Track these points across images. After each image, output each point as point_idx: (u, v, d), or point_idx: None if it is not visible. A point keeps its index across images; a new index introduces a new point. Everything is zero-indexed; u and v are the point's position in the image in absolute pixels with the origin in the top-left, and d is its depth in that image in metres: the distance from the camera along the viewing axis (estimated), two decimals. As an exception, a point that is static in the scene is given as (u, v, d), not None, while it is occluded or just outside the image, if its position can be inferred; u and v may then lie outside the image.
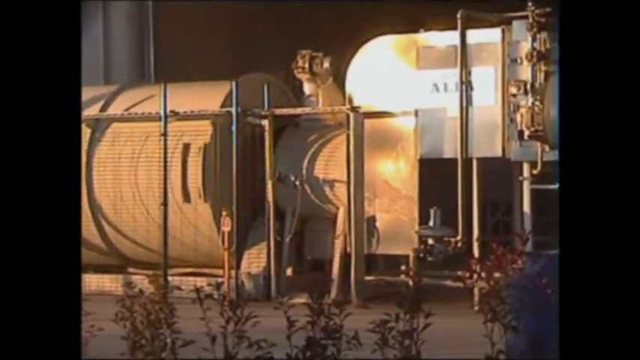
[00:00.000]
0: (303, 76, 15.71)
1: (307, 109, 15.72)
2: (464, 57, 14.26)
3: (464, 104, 14.28)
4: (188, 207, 15.56)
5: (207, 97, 15.85)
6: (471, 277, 7.29)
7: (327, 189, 15.38)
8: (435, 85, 14.50)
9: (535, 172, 13.79)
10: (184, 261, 15.84)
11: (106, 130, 16.35)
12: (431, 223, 14.33)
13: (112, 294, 13.36)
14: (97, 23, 19.31)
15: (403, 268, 13.36)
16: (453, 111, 14.36)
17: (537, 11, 13.61)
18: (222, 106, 15.55)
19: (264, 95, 15.33)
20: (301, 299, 6.90)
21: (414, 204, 14.59)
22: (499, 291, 6.95)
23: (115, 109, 16.45)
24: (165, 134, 15.39)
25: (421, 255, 14.26)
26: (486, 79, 14.21)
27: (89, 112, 16.34)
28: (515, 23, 14.05)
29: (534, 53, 13.71)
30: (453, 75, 14.33)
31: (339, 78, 15.54)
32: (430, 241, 14.33)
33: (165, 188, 15.39)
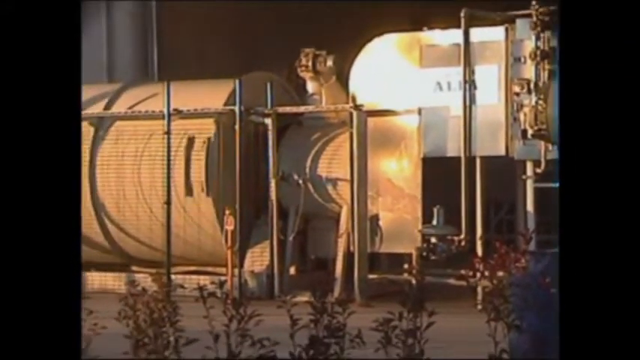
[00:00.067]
0: (307, 75, 15.70)
1: (310, 108, 15.71)
2: (467, 55, 14.25)
3: (467, 103, 14.27)
4: (191, 205, 15.56)
5: (211, 96, 15.85)
6: (474, 276, 7.29)
7: (330, 187, 15.37)
8: (439, 83, 14.49)
9: (538, 170, 13.78)
10: (187, 259, 15.85)
11: (110, 128, 16.35)
12: (434, 222, 14.33)
13: (115, 292, 13.41)
14: (101, 23, 19.32)
15: (406, 266, 13.49)
16: (457, 109, 14.35)
17: (541, 10, 13.59)
18: (226, 104, 15.55)
19: (268, 94, 15.32)
20: (304, 298, 6.91)
21: (417, 202, 14.58)
22: (502, 290, 6.94)
23: (119, 107, 16.45)
24: (168, 132, 15.39)
25: (424, 254, 14.26)
26: (490, 78, 14.20)
27: (93, 110, 16.36)
28: (518, 22, 14.04)
29: (538, 52, 13.70)
30: (456, 73, 14.32)
31: (342, 76, 15.53)
32: (433, 240, 14.33)
33: (168, 186, 15.39)
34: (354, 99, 15.07)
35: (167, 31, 19.64)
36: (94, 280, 16.02)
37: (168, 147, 15.39)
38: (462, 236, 14.19)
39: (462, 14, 14.24)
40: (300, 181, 15.32)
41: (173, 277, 14.51)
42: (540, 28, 13.67)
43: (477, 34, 14.31)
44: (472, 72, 14.26)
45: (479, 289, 11.99)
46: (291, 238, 15.38)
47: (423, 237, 14.40)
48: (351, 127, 15.02)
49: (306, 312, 6.65)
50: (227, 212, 14.95)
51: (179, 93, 15.54)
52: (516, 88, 13.92)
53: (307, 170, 15.44)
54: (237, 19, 20.28)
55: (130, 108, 16.29)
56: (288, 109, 15.57)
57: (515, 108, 14.00)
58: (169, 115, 15.45)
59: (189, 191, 15.52)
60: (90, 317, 7.38)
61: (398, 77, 14.81)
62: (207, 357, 6.72)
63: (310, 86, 15.81)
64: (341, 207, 15.21)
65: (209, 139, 15.45)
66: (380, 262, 15.48)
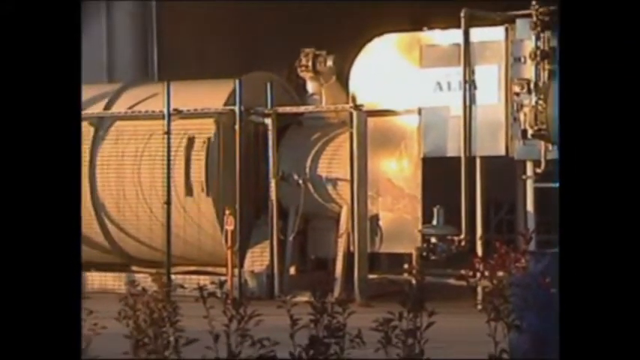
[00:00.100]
0: (307, 75, 15.70)
1: (310, 108, 15.71)
2: (467, 55, 14.25)
3: (467, 103, 14.27)
4: (191, 205, 15.56)
5: (211, 96, 15.85)
6: (474, 276, 7.29)
7: (330, 187, 15.37)
8: (439, 83, 14.49)
9: (538, 170, 13.78)
10: (187, 259, 15.85)
11: (110, 128, 16.35)
12: (434, 222, 14.33)
13: (115, 292, 13.40)
14: (101, 23, 19.32)
15: (406, 266, 13.49)
16: (457, 109, 14.35)
17: (541, 10, 13.59)
18: (226, 104, 15.55)
19: (268, 94, 15.32)
20: (304, 298, 6.90)
21: (417, 202, 14.58)
22: (502, 290, 6.94)
23: (119, 107, 16.45)
24: (168, 132, 15.39)
25: (424, 254, 14.26)
26: (490, 78, 14.20)
27: (93, 110, 16.36)
28: (518, 22, 14.04)
29: (538, 52, 13.70)
30: (456, 73, 14.32)
31: (342, 76, 15.53)
32: (433, 240, 14.33)
33: (168, 186, 15.39)
34: (354, 99, 15.07)
35: (167, 31, 19.64)
36: (94, 280, 16.02)
37: (168, 147, 15.39)
38: (462, 236, 14.19)
39: (462, 14, 14.24)
40: (300, 181, 15.32)
41: (173, 277, 14.51)
42: (540, 28, 13.67)
43: (477, 34, 14.31)
44: (472, 72, 14.26)
45: (479, 289, 12.01)
46: (291, 238, 15.38)
47: (423, 237, 14.40)
48: (351, 127, 15.01)
49: (306, 312, 6.65)
50: (227, 212, 14.95)
51: (179, 93, 15.54)
52: (516, 88, 13.92)
53: (307, 170, 15.44)
54: (237, 19, 20.28)
55: (130, 108, 16.29)
56: (288, 109, 15.57)
57: (515, 108, 13.99)
58: (169, 115, 15.45)
59: (189, 191, 15.52)
60: (90, 317, 7.38)
61: (398, 77, 14.81)
62: (207, 357, 6.72)
63: (310, 86, 15.81)
64: (341, 207, 15.21)
65: (209, 138, 15.45)
66: (380, 262, 15.48)
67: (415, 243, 14.39)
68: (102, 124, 16.39)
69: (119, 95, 16.67)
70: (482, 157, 14.26)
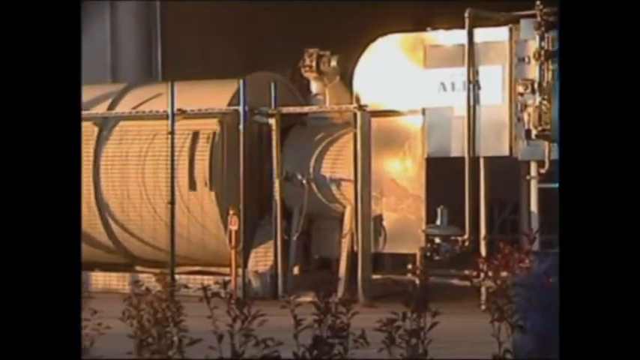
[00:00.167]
0: (311, 75, 15.70)
1: (314, 108, 15.72)
2: (471, 56, 14.24)
3: (471, 103, 14.26)
4: (195, 205, 15.56)
5: (215, 96, 15.86)
6: (478, 276, 7.29)
7: (334, 188, 15.37)
8: (443, 84, 14.49)
9: (542, 171, 13.77)
10: (191, 259, 15.85)
11: (114, 128, 16.36)
12: (438, 222, 14.32)
13: (119, 292, 13.41)
14: (105, 23, 19.33)
15: (410, 266, 13.48)
16: (461, 110, 14.35)
17: (545, 10, 13.58)
18: (230, 104, 15.55)
19: (272, 94, 15.33)
20: (308, 298, 6.90)
21: (421, 203, 14.58)
22: (506, 290, 6.94)
23: (123, 107, 16.46)
24: (172, 132, 15.40)
25: (428, 254, 14.26)
26: (494, 78, 14.19)
27: (97, 110, 16.38)
28: (522, 22, 14.04)
29: (542, 52, 13.69)
30: (460, 74, 14.32)
31: (346, 77, 15.53)
32: (437, 240, 14.32)
33: (172, 186, 15.40)
34: (357, 99, 15.07)
35: (171, 31, 19.65)
36: (98, 279, 16.03)
37: (172, 147, 15.40)
38: (466, 236, 14.19)
39: (466, 14, 14.24)
40: (304, 181, 15.32)
41: (177, 277, 14.53)
42: (544, 29, 13.66)
43: (481, 34, 14.30)
44: (476, 72, 14.26)
45: (483, 290, 12.03)
46: (294, 238, 15.39)
47: (426, 237, 14.40)
48: (355, 127, 15.01)
49: (309, 312, 6.65)
50: (231, 212, 14.96)
51: (183, 93, 15.55)
52: (520, 89, 13.91)
53: (311, 170, 15.44)
54: (241, 19, 20.29)
55: (134, 108, 16.30)
56: (291, 110, 15.57)
57: (519, 108, 13.99)
58: (173, 115, 15.45)
59: (192, 185, 15.51)
60: (94, 317, 7.39)
61: (402, 77, 14.81)
62: (211, 357, 6.72)
63: (314, 86, 15.81)
64: (345, 207, 15.21)
65: (214, 133, 15.42)
66: (383, 262, 15.47)
67: (419, 243, 14.39)
68: (106, 124, 16.40)
69: (123, 95, 16.68)
70: (486, 158, 14.25)
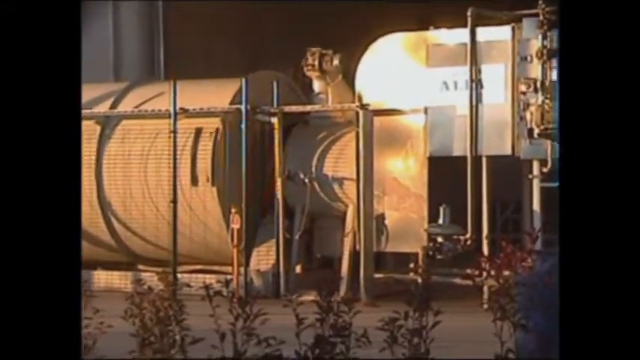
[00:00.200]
0: (313, 74, 15.70)
1: (317, 107, 15.72)
2: (474, 55, 14.24)
3: (474, 102, 14.26)
4: (198, 204, 15.57)
5: (217, 95, 15.86)
6: (480, 275, 7.29)
7: (336, 186, 15.37)
8: (445, 82, 14.49)
9: (545, 170, 13.77)
10: (194, 258, 15.86)
11: (116, 127, 16.37)
12: (440, 221, 14.33)
13: (122, 291, 13.43)
14: (107, 22, 19.34)
15: (412, 265, 13.47)
16: (463, 109, 14.35)
17: (548, 9, 13.58)
18: (232, 103, 15.55)
19: (274, 93, 15.33)
20: (310, 297, 6.90)
21: (423, 202, 14.58)
22: (508, 289, 6.93)
23: (125, 106, 16.47)
24: (174, 131, 15.41)
25: (430, 253, 14.26)
26: (496, 77, 14.19)
27: (99, 109, 16.38)
28: (525, 21, 14.03)
29: (544, 51, 13.69)
30: (462, 73, 14.32)
31: (348, 75, 15.53)
32: (439, 239, 14.33)
33: (174, 185, 15.40)
34: (360, 98, 15.07)
35: (173, 30, 19.65)
36: (100, 278, 16.04)
37: (174, 146, 15.41)
38: (468, 235, 14.19)
39: (469, 13, 14.24)
40: (306, 180, 15.32)
41: (179, 275, 14.54)
42: (547, 27, 13.66)
43: (484, 33, 14.30)
44: (479, 71, 14.25)
45: (485, 289, 12.03)
46: (297, 237, 15.39)
47: (429, 236, 14.40)
48: (358, 126, 15.01)
49: (312, 311, 6.64)
50: (233, 211, 14.96)
51: (185, 92, 15.56)
52: (523, 88, 13.91)
53: (313, 169, 15.45)
54: (243, 18, 20.29)
55: (136, 107, 16.31)
56: (294, 108, 15.57)
57: (521, 107, 13.99)
58: (176, 113, 15.46)
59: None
60: (96, 316, 7.39)
61: (404, 76, 14.81)
62: (213, 356, 6.72)
63: (316, 85, 15.81)
64: (347, 206, 15.21)
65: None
66: (386, 261, 15.48)
67: (421, 242, 14.39)
68: (108, 123, 16.41)
69: (125, 94, 16.69)
70: (489, 157, 14.25)
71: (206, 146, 15.46)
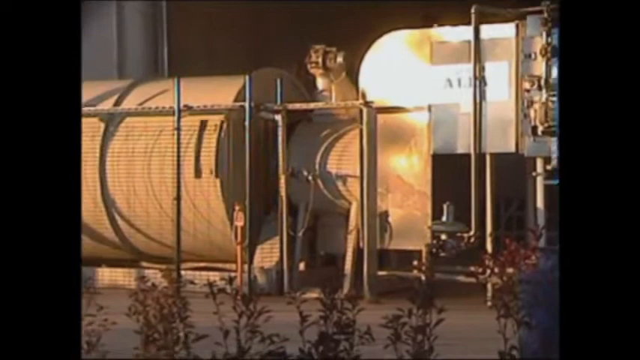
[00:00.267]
0: (317, 71, 15.70)
1: (320, 104, 15.72)
2: (478, 52, 14.24)
3: (477, 100, 14.26)
4: (202, 201, 15.58)
5: (221, 92, 15.86)
6: (483, 273, 7.28)
7: (339, 184, 15.38)
8: (449, 80, 14.48)
9: (549, 167, 13.77)
10: (197, 255, 15.87)
11: (120, 124, 16.38)
12: (444, 219, 14.32)
13: (126, 288, 13.44)
14: (111, 21, 19.35)
15: (416, 263, 13.48)
16: (467, 106, 14.35)
17: (551, 6, 13.58)
18: (236, 100, 15.56)
19: (277, 90, 15.33)
20: (314, 294, 6.91)
21: (426, 199, 14.58)
22: (512, 287, 6.93)
23: (129, 103, 16.48)
24: (178, 128, 15.41)
25: (434, 250, 14.26)
26: (500, 75, 14.19)
27: (103, 106, 16.40)
28: (529, 19, 14.03)
29: (548, 48, 13.68)
30: (466, 70, 14.31)
31: (352, 73, 15.53)
32: (443, 237, 14.32)
33: (178, 182, 15.41)
34: (364, 95, 15.07)
35: (177, 29, 19.66)
36: (104, 275, 16.05)
37: (178, 143, 15.42)
38: (472, 233, 14.19)
39: (473, 11, 14.23)
40: (310, 178, 15.33)
41: (183, 272, 14.55)
42: (551, 25, 13.65)
43: (488, 30, 14.30)
44: (482, 69, 14.25)
45: (489, 286, 12.02)
46: (300, 235, 15.40)
47: (432, 234, 14.40)
48: (361, 123, 15.01)
49: (315, 308, 6.65)
50: (237, 208, 14.97)
51: (189, 89, 15.56)
52: (527, 85, 13.91)
53: (317, 166, 15.45)
54: (246, 16, 20.29)
55: (140, 104, 16.32)
56: (297, 106, 15.57)
57: (525, 105, 13.98)
58: (179, 111, 15.47)
59: (199, 186, 15.53)
60: (100, 313, 7.40)
61: (408, 74, 14.81)
62: (217, 353, 6.73)
63: (320, 83, 15.81)
64: (350, 203, 15.21)
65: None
66: (389, 258, 15.48)
67: (425, 239, 14.39)
68: (112, 120, 16.42)
69: (129, 91, 16.70)
70: (492, 154, 14.25)
71: (210, 140, 15.47)
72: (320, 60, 15.55)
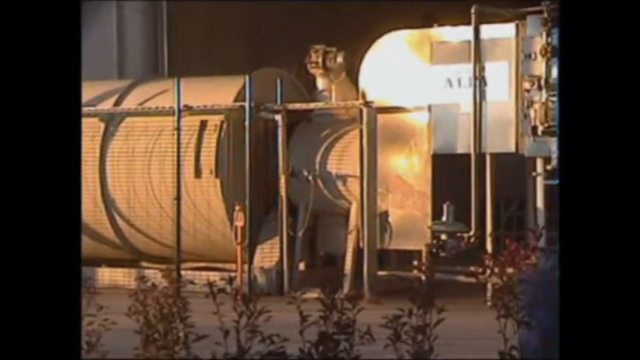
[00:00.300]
0: (317, 71, 15.70)
1: (320, 104, 15.72)
2: (478, 52, 14.24)
3: (477, 100, 14.26)
4: (201, 201, 15.58)
5: (221, 92, 15.86)
6: (483, 273, 7.28)
7: (339, 184, 15.38)
8: (449, 80, 14.48)
9: (549, 167, 13.77)
10: (197, 255, 15.87)
11: (120, 124, 16.38)
12: (444, 219, 14.32)
13: (126, 288, 13.44)
14: (111, 21, 19.35)
15: (416, 263, 13.49)
16: (467, 106, 14.35)
17: (552, 6, 13.58)
18: (235, 100, 15.56)
19: (277, 90, 15.33)
20: (314, 294, 6.90)
21: (426, 199, 14.58)
22: (512, 286, 6.93)
23: (129, 103, 16.48)
24: (178, 128, 15.41)
25: (434, 250, 14.26)
26: (500, 75, 14.19)
27: (103, 106, 16.39)
28: (529, 19, 14.03)
29: (548, 48, 13.68)
30: (466, 70, 14.31)
31: (352, 73, 15.53)
32: (443, 237, 14.32)
33: (178, 182, 15.41)
34: (364, 95, 15.07)
35: (177, 28, 19.66)
36: (104, 275, 16.05)
37: (178, 143, 15.42)
38: (472, 233, 14.19)
39: (473, 11, 14.23)
40: (310, 178, 15.33)
41: (183, 272, 14.55)
42: (551, 25, 13.65)
43: (488, 30, 14.29)
44: (482, 69, 14.25)
45: (489, 286, 12.02)
46: (300, 235, 15.40)
47: (432, 234, 14.40)
48: (361, 123, 15.01)
49: (315, 308, 6.65)
50: (237, 208, 14.97)
51: (189, 89, 15.56)
52: (527, 85, 13.91)
53: (317, 167, 15.45)
54: (246, 16, 20.29)
55: (140, 104, 16.32)
56: (297, 106, 15.57)
57: (525, 105, 13.99)
58: (179, 111, 15.47)
59: (199, 186, 15.54)
60: (100, 313, 7.40)
61: (408, 74, 14.81)
62: (217, 353, 6.73)
63: (320, 83, 15.81)
64: (350, 203, 15.21)
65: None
66: (389, 258, 15.48)
67: (425, 240, 14.39)
68: (112, 120, 16.41)
69: (129, 91, 16.70)
70: (492, 154, 14.25)
71: (210, 140, 15.48)
72: (320, 60, 15.55)
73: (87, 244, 14.83)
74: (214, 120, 15.57)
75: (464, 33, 14.40)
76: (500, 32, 14.26)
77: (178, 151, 15.41)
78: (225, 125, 15.48)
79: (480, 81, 14.24)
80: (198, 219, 15.62)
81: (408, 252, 14.71)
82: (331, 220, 15.52)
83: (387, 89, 14.98)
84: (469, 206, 14.21)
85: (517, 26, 14.15)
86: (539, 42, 13.82)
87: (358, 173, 15.01)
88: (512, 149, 14.14)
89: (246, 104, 15.26)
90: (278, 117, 15.39)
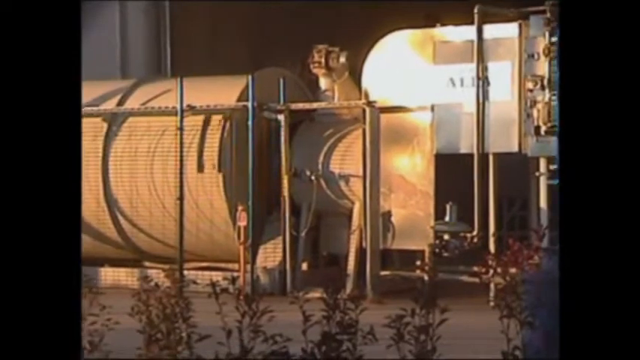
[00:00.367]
0: (319, 71, 15.69)
1: (323, 104, 15.71)
2: (480, 52, 14.23)
3: (480, 99, 14.25)
4: (204, 201, 15.58)
5: (224, 92, 15.87)
6: (486, 273, 7.28)
7: (342, 184, 15.37)
8: (452, 80, 14.48)
9: (552, 167, 13.76)
10: (200, 255, 15.87)
11: (123, 124, 16.38)
12: (447, 219, 14.32)
13: (128, 288, 13.44)
14: (114, 20, 19.36)
15: (419, 263, 13.48)
16: (470, 106, 14.34)
17: (555, 6, 13.56)
18: (238, 100, 15.56)
19: (280, 90, 15.33)
20: (317, 294, 6.90)
21: (429, 199, 14.57)
22: (515, 287, 6.93)
23: (132, 103, 16.48)
24: (181, 128, 15.42)
25: (437, 250, 14.25)
26: (503, 75, 14.18)
27: (106, 106, 16.40)
28: (532, 18, 14.02)
29: (551, 48, 13.68)
30: (469, 70, 14.31)
31: (355, 73, 15.53)
32: (446, 237, 14.32)
33: (181, 183, 15.41)
34: (366, 95, 15.06)
35: (180, 28, 19.67)
36: (107, 275, 16.06)
37: (181, 143, 15.41)
38: (475, 233, 14.18)
39: (476, 11, 14.22)
40: (313, 178, 15.33)
41: (186, 272, 14.55)
42: (554, 25, 13.64)
43: (491, 30, 14.29)
44: (485, 68, 14.24)
45: (492, 286, 12.01)
46: (303, 235, 15.39)
47: (435, 234, 14.39)
48: (364, 123, 15.01)
49: (318, 308, 6.64)
50: (240, 208, 14.97)
51: (192, 89, 15.56)
52: (530, 85, 13.91)
53: (320, 166, 15.45)
54: (249, 16, 20.30)
55: (143, 104, 16.32)
56: (300, 106, 15.57)
57: (528, 104, 13.98)
58: (182, 110, 15.47)
59: (202, 186, 15.54)
60: (103, 312, 7.40)
61: (411, 74, 14.80)
62: (220, 353, 6.73)
63: (323, 82, 15.80)
64: (353, 203, 15.21)
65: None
66: (392, 258, 15.47)
67: (427, 239, 14.38)
68: (115, 120, 16.42)
69: (132, 91, 16.70)
70: (495, 154, 14.24)
71: (213, 140, 15.48)
72: (323, 60, 15.54)
73: (90, 243, 14.83)
74: (217, 120, 15.57)
75: (467, 33, 14.39)
76: (503, 32, 14.25)
77: (181, 151, 15.41)
78: (228, 125, 15.48)
79: (483, 81, 14.23)
80: (201, 219, 15.63)
81: (411, 252, 14.70)
82: (334, 220, 15.51)
83: (389, 89, 14.98)
84: (472, 206, 14.19)
85: (520, 26, 14.13)
86: (542, 42, 13.81)
87: (361, 173, 15.00)
88: (516, 149, 14.14)
89: (249, 104, 15.25)
90: (281, 117, 15.39)
